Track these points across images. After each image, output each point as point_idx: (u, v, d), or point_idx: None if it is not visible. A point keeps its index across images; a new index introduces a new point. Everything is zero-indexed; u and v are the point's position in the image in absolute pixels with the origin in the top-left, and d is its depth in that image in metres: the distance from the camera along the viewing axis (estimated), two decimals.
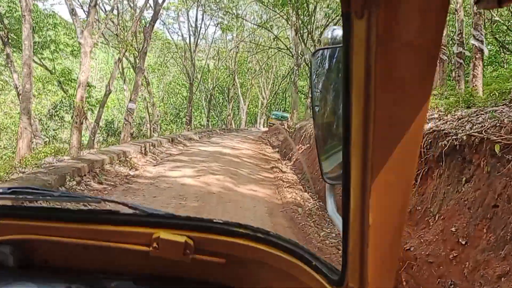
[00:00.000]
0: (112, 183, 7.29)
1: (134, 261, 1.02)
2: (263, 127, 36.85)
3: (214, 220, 0.98)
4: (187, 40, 28.55)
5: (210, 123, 34.55)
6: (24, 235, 1.01)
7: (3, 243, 1.02)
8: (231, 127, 33.86)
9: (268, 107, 40.52)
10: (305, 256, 0.91)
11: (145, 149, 11.39)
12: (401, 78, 0.50)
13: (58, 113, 22.63)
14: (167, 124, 31.88)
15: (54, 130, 23.07)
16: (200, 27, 28.70)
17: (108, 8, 20.12)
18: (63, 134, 23.43)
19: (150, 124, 24.97)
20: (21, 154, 12.11)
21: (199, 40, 28.94)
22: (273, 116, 30.52)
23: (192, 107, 29.35)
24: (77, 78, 13.57)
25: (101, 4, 19.25)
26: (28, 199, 1.16)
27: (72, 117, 13.83)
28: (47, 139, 21.38)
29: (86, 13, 13.45)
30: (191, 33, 28.35)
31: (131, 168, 9.06)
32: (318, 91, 1.04)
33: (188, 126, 26.70)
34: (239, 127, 36.27)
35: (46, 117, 23.07)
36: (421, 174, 4.64)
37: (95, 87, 24.83)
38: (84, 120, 21.34)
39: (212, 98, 35.29)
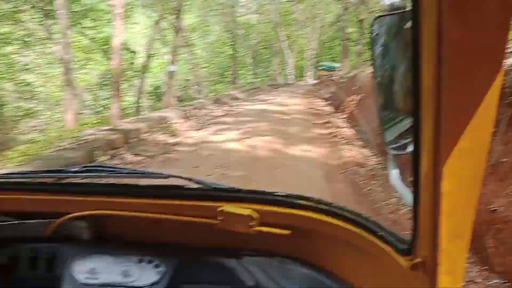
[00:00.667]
0: (150, 154, 6.74)
1: (201, 234, 1.07)
2: (312, 79, 35.43)
3: (277, 193, 1.01)
4: None
5: (256, 80, 33.70)
6: (98, 211, 1.08)
7: (78, 218, 1.09)
8: (278, 82, 32.90)
9: (316, 58, 38.75)
10: (370, 226, 0.88)
11: (187, 113, 10.85)
12: (477, 37, 0.48)
13: (107, 82, 22.81)
14: (213, 85, 31.42)
15: (104, 99, 23.33)
16: None
17: None
18: None
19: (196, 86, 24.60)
20: (68, 126, 12.11)
21: None
22: (322, 67, 29.05)
23: (237, 65, 28.69)
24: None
25: None
26: (101, 176, 1.20)
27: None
28: (99, 109, 21.71)
29: None
30: None
31: (171, 135, 8.52)
32: (380, 60, 0.95)
33: (234, 85, 26.09)
34: (286, 81, 35.16)
35: (96, 87, 23.36)
36: (506, 120, 3.71)
37: (138, 52, 24.51)
38: (131, 87, 21.39)
39: (257, 54, 34.26)
